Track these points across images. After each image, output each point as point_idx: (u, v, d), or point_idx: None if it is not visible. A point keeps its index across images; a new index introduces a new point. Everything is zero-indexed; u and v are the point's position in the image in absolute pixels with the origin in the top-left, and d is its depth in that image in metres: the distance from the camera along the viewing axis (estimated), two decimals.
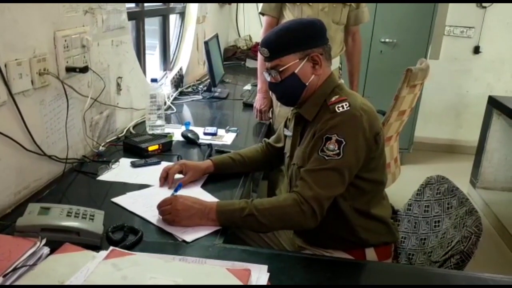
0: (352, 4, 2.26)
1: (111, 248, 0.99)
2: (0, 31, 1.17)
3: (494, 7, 3.92)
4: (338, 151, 1.25)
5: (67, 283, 0.88)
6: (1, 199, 1.25)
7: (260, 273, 0.93)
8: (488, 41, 4.02)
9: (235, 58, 3.96)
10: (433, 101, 4.19)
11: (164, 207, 1.25)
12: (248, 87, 2.98)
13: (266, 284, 0.91)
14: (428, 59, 3.72)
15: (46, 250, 1.02)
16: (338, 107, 1.29)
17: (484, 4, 3.92)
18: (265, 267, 0.95)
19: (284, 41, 1.33)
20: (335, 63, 2.35)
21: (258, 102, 2.25)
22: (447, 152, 4.23)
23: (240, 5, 4.07)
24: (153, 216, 1.27)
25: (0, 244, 1.01)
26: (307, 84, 1.34)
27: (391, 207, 1.74)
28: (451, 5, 3.96)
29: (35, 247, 1.01)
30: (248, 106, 2.51)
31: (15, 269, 0.92)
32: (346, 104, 1.29)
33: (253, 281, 0.90)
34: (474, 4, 3.94)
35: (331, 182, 1.26)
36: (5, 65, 1.21)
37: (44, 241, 1.03)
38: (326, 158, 1.25)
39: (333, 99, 1.32)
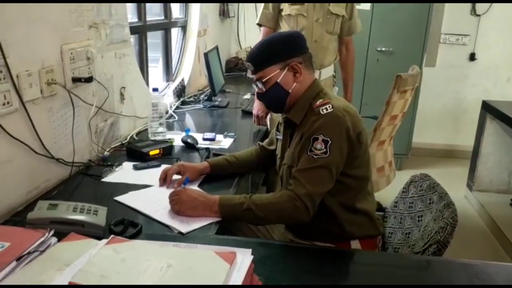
0: (345, 15, 2.38)
1: (111, 236, 1.10)
2: (13, 45, 1.29)
3: (488, 15, 4.03)
4: (325, 149, 1.36)
5: (72, 266, 0.98)
6: (13, 197, 1.37)
7: (244, 256, 1.03)
8: (483, 48, 4.13)
9: (236, 69, 4.10)
10: (431, 107, 4.29)
11: (173, 197, 1.37)
12: (247, 96, 3.10)
13: (253, 274, 1.01)
14: (424, 66, 3.84)
15: (54, 240, 1.13)
16: (322, 109, 1.40)
17: (478, 12, 4.04)
18: (249, 250, 1.05)
19: (265, 54, 1.45)
20: (330, 71, 2.47)
21: (255, 108, 2.37)
22: (445, 157, 4.31)
23: (241, 17, 4.22)
24: (152, 211, 1.38)
25: (13, 234, 1.12)
26: (290, 91, 1.46)
27: (379, 205, 1.85)
28: (446, 13, 4.08)
29: (44, 237, 1.12)
30: (246, 113, 2.63)
31: (28, 254, 1.03)
32: (329, 106, 1.40)
33: (238, 263, 1.00)
34: (468, 12, 4.06)
35: (321, 179, 1.36)
36: (17, 76, 1.33)
37: (52, 232, 1.14)
38: (315, 157, 1.36)
39: (318, 102, 1.43)
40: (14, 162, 1.36)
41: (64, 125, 1.60)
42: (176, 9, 3.18)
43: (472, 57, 4.17)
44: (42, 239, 1.11)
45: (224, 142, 2.12)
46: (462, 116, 4.29)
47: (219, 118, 2.64)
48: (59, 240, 1.13)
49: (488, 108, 3.27)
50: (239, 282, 0.95)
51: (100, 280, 0.91)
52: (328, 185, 1.37)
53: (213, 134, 2.16)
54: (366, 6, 3.68)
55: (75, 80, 1.63)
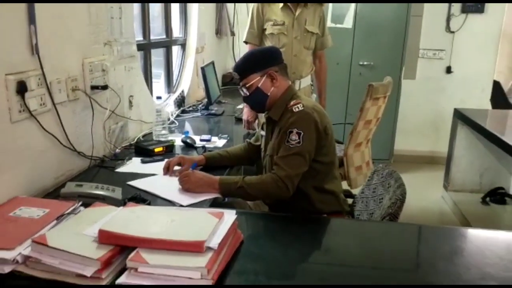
0: (318, 32, 2.74)
1: (128, 202, 1.42)
2: (47, 59, 1.63)
3: (461, 31, 4.42)
4: (298, 140, 1.69)
5: (99, 222, 1.30)
6: (45, 180, 1.70)
7: (229, 215, 1.35)
8: (458, 61, 4.50)
9: (232, 83, 4.44)
10: (413, 117, 4.64)
11: (183, 178, 1.71)
12: (241, 105, 3.43)
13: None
14: (403, 79, 4.20)
15: (82, 208, 1.45)
16: (295, 108, 1.74)
17: (452, 29, 4.42)
18: (234, 211, 1.37)
19: (247, 65, 1.80)
20: (308, 81, 2.83)
21: (245, 114, 2.71)
22: (427, 163, 4.63)
23: (236, 36, 4.60)
24: (158, 191, 1.71)
25: (50, 204, 1.44)
26: (269, 94, 1.80)
27: (350, 192, 2.18)
28: (423, 30, 4.46)
29: (74, 206, 1.44)
30: (239, 120, 2.96)
31: (63, 215, 1.36)
32: (300, 105, 1.73)
33: (225, 219, 1.32)
34: (443, 29, 4.44)
35: (297, 163, 1.69)
36: (50, 83, 1.67)
37: (80, 203, 1.47)
38: (291, 146, 1.69)
39: (291, 103, 1.76)
40: (46, 152, 1.69)
41: (84, 125, 1.93)
42: (176, 29, 3.54)
43: (448, 70, 4.54)
44: (73, 207, 1.43)
45: (218, 142, 2.45)
46: (441, 125, 4.63)
47: (215, 124, 2.98)
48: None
49: (459, 116, 3.61)
50: (224, 232, 1.26)
51: (121, 229, 1.22)
52: (303, 168, 1.70)
53: (209, 136, 2.49)
54: (349, 24, 4.06)
55: (93, 87, 1.97)
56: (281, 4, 2.70)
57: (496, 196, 3.48)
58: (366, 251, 1.40)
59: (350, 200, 2.08)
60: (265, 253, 1.34)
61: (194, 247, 1.16)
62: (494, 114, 3.98)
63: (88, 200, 1.50)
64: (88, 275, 1.11)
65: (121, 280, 1.11)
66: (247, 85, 1.81)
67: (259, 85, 1.79)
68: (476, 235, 1.59)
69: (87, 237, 1.22)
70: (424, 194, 3.89)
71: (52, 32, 1.67)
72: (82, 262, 1.13)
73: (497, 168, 3.49)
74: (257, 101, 1.84)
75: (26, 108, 1.54)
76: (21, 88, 1.51)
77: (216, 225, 1.27)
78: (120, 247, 1.18)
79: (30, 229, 1.27)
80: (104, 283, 1.12)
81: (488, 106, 4.69)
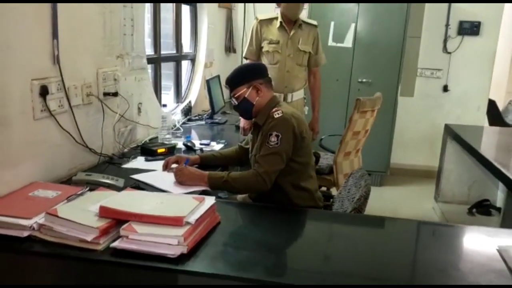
0: (311, 51, 3.02)
1: (127, 187, 1.71)
2: (66, 68, 1.94)
3: (457, 52, 4.65)
4: (277, 141, 1.95)
5: (101, 201, 1.58)
6: (60, 171, 1.99)
7: (209, 200, 1.62)
8: (454, 80, 4.72)
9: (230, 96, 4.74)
10: (411, 132, 4.85)
11: (177, 172, 1.99)
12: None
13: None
14: (400, 96, 4.44)
15: (89, 193, 1.74)
16: (275, 114, 2.00)
17: (449, 50, 4.66)
18: (213, 197, 1.64)
19: (236, 78, 2.08)
20: (300, 94, 3.11)
21: (242, 121, 2.99)
22: (422, 177, 4.82)
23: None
24: (156, 183, 1.99)
25: (62, 188, 1.74)
26: (254, 103, 2.07)
27: (330, 194, 2.42)
28: (421, 50, 4.70)
29: (82, 190, 1.73)
30: (239, 128, 3.24)
31: (72, 196, 1.64)
32: (280, 112, 2.00)
33: (205, 203, 1.59)
34: (441, 50, 4.68)
35: (275, 162, 1.95)
36: (68, 88, 1.98)
37: (88, 188, 1.75)
38: (270, 147, 1.96)
39: (273, 110, 2.04)
40: (62, 146, 1.99)
41: (96, 126, 2.23)
42: (186, 45, 3.87)
43: (445, 88, 4.76)
44: (81, 191, 1.72)
45: (216, 146, 2.73)
46: (437, 140, 4.80)
47: (217, 131, 3.27)
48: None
49: (449, 131, 3.82)
50: (202, 211, 1.52)
51: (118, 206, 1.50)
52: (280, 166, 1.96)
53: (209, 140, 2.78)
54: (349, 43, 4.34)
55: (105, 94, 2.28)
56: (278, 24, 3.00)
57: (482, 207, 3.66)
58: (327, 236, 1.65)
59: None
60: (238, 231, 1.61)
61: (175, 221, 1.43)
62: (484, 131, 4.18)
63: (95, 187, 1.79)
64: (89, 239, 1.39)
65: (115, 244, 1.38)
66: (236, 96, 2.09)
67: (246, 95, 2.06)
68: (426, 227, 1.82)
69: (90, 212, 1.50)
70: (417, 205, 4.09)
71: (71, 45, 1.98)
72: (84, 230, 1.41)
73: (484, 181, 3.67)
74: (244, 109, 2.12)
75: (47, 108, 1.85)
76: (44, 91, 1.82)
77: (197, 206, 1.53)
78: (116, 221, 1.46)
79: (45, 205, 1.56)
80: (100, 247, 1.40)
81: (484, 123, 4.89)
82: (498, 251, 1.48)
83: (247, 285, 1.31)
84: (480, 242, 1.62)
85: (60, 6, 1.86)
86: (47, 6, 1.81)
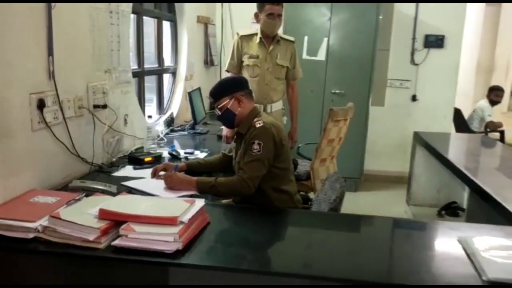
0: (289, 66, 3.22)
1: (123, 191, 1.84)
2: (60, 82, 2.07)
3: (424, 64, 4.95)
4: (259, 149, 2.12)
5: (99, 205, 1.71)
6: (55, 179, 2.11)
7: (199, 202, 1.77)
8: (422, 90, 5.01)
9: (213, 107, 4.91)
10: (383, 140, 5.10)
11: (167, 178, 2.13)
12: (223, 126, 3.87)
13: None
14: (371, 106, 4.69)
15: (85, 198, 1.86)
16: (257, 123, 2.17)
17: (416, 62, 4.95)
18: (203, 200, 1.79)
19: (218, 90, 2.25)
20: (279, 105, 3.30)
21: (224, 130, 3.16)
22: (394, 182, 5.06)
23: (223, 66, 5.09)
24: (146, 188, 2.13)
25: (61, 195, 1.86)
26: (236, 113, 2.23)
27: (308, 197, 2.60)
28: (390, 63, 4.98)
29: (79, 196, 1.85)
30: (220, 137, 3.40)
31: (71, 201, 1.77)
32: (261, 122, 2.17)
33: (195, 204, 1.74)
34: (408, 62, 4.97)
35: (258, 168, 2.12)
36: (62, 101, 2.11)
37: (84, 194, 1.88)
38: (253, 154, 2.12)
39: (254, 120, 2.20)
40: (57, 156, 2.11)
41: (86, 137, 2.36)
42: (167, 59, 4.02)
43: (413, 98, 5.05)
44: (79, 196, 1.85)
45: (200, 155, 2.88)
46: (408, 147, 5.05)
47: (200, 141, 3.42)
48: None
49: (418, 138, 4.07)
50: (194, 212, 1.67)
51: (116, 208, 1.63)
52: (262, 171, 2.12)
53: (192, 149, 2.92)
54: (322, 57, 4.57)
55: (95, 106, 2.41)
56: (257, 40, 3.19)
57: (450, 209, 3.90)
58: (306, 232, 1.82)
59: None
60: (225, 230, 1.77)
61: (170, 221, 1.57)
62: (451, 138, 4.46)
63: (90, 193, 1.92)
64: (91, 239, 1.52)
65: (116, 242, 1.52)
66: (219, 107, 2.25)
67: (229, 106, 2.23)
68: (397, 223, 2.02)
69: (90, 214, 1.62)
70: (390, 209, 4.31)
71: (65, 61, 2.12)
72: (86, 231, 1.54)
73: (451, 185, 3.90)
74: (227, 119, 2.28)
75: (43, 120, 1.97)
76: (41, 105, 1.94)
77: (188, 208, 1.68)
78: (115, 222, 1.59)
79: (46, 209, 1.68)
80: (102, 246, 1.53)
81: (450, 130, 5.18)
82: (459, 241, 1.67)
83: (235, 274, 1.47)
84: (444, 234, 1.82)
85: (55, 25, 2.00)
86: (43, 26, 1.95)
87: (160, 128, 3.50)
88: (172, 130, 3.64)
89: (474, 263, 1.49)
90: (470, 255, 1.54)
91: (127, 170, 2.49)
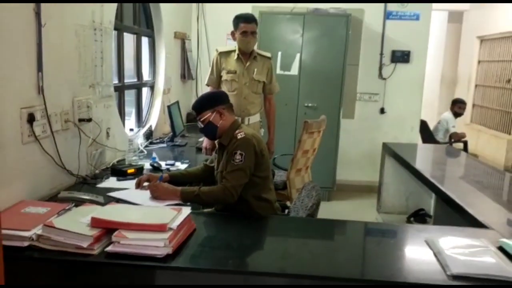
0: (265, 81, 3.38)
1: (112, 201, 1.93)
2: (49, 98, 2.15)
3: (391, 78, 5.20)
4: (241, 159, 2.24)
5: (90, 214, 1.79)
6: (43, 190, 2.18)
7: (186, 210, 1.87)
8: (390, 104, 5.25)
9: (196, 120, 4.99)
10: (354, 151, 5.31)
11: (152, 188, 2.23)
12: (202, 138, 3.98)
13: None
14: (342, 118, 4.89)
15: (75, 208, 1.94)
16: (238, 135, 2.30)
17: (384, 76, 5.19)
18: (189, 208, 1.90)
19: (200, 105, 2.37)
20: (257, 118, 3.44)
21: (205, 142, 3.28)
22: (365, 191, 5.26)
23: (199, 80, 5.23)
24: (131, 199, 2.21)
25: (51, 205, 1.94)
26: (218, 125, 2.36)
27: (286, 205, 2.73)
28: (359, 77, 5.21)
29: (69, 206, 1.93)
30: (199, 149, 3.51)
31: (62, 211, 1.85)
32: (242, 133, 2.30)
33: (182, 212, 1.84)
34: (376, 77, 5.21)
35: (240, 177, 2.23)
36: (49, 115, 2.18)
37: (73, 205, 1.96)
38: (235, 164, 2.24)
39: (236, 131, 2.33)
40: (45, 168, 2.18)
41: (72, 149, 2.43)
42: (146, 73, 4.12)
43: (382, 111, 5.28)
44: (68, 206, 1.92)
45: (181, 166, 2.98)
46: (377, 158, 5.23)
47: (179, 152, 3.52)
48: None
49: (386, 149, 4.28)
50: (181, 219, 1.78)
51: (107, 217, 1.73)
52: (244, 180, 2.24)
53: (173, 161, 3.02)
54: (295, 71, 4.76)
55: (80, 120, 2.49)
56: (235, 56, 3.33)
57: (418, 216, 4.10)
58: (285, 235, 1.95)
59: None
60: (211, 236, 1.89)
61: (160, 227, 1.68)
62: (417, 148, 4.69)
63: (79, 203, 2.00)
64: (85, 246, 1.61)
65: (109, 248, 1.62)
66: (201, 119, 2.37)
67: (211, 119, 2.35)
68: (368, 227, 2.17)
69: (82, 223, 1.71)
70: (361, 216, 4.46)
71: (53, 77, 2.20)
72: (80, 238, 1.63)
73: (419, 192, 4.11)
74: (209, 131, 2.40)
75: (33, 133, 2.05)
76: (31, 118, 2.02)
77: (176, 215, 1.79)
78: (107, 230, 1.69)
79: (38, 219, 1.75)
80: (95, 252, 1.62)
81: (417, 141, 5.44)
82: (426, 241, 1.84)
83: (221, 274, 1.58)
84: (413, 236, 1.98)
85: (45, 42, 2.09)
86: (34, 43, 2.04)
87: (140, 140, 3.59)
88: (151, 143, 3.72)
89: (439, 260, 1.66)
90: (436, 254, 1.71)
91: (111, 182, 2.57)
